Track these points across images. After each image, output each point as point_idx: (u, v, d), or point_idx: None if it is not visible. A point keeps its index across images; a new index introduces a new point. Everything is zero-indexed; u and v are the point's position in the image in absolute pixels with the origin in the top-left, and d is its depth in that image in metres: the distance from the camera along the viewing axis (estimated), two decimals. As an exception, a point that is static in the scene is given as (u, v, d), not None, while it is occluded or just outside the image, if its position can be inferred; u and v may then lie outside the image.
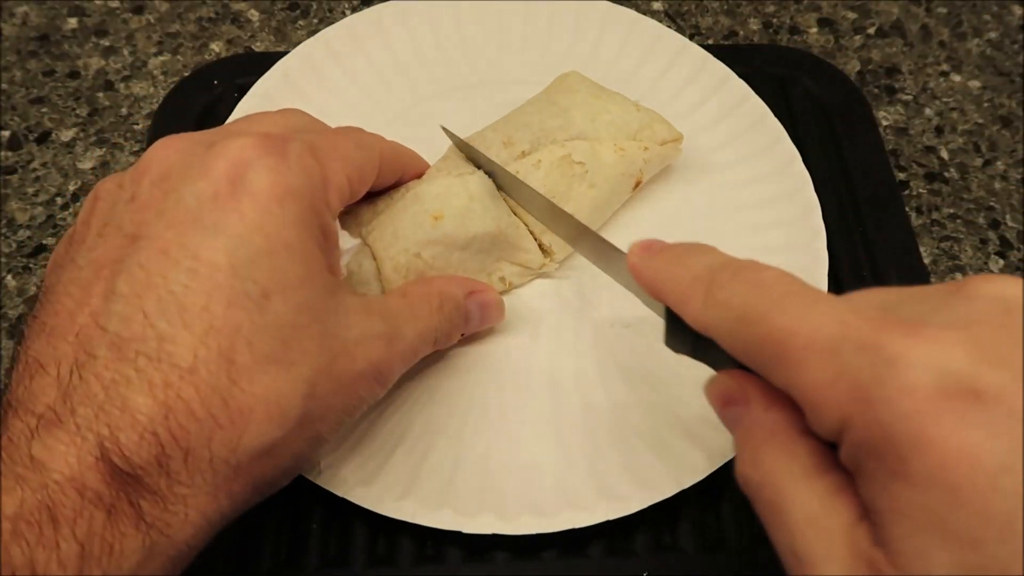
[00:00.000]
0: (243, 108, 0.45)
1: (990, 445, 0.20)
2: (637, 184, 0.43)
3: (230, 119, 0.44)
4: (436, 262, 0.38)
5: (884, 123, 0.51)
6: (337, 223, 0.33)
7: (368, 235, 0.38)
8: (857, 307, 0.24)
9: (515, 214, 0.41)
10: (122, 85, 0.51)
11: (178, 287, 0.27)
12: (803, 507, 0.25)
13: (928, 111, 0.52)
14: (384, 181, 0.37)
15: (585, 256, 0.40)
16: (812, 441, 0.26)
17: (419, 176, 0.39)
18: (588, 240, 0.39)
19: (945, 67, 0.54)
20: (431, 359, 0.40)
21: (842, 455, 0.24)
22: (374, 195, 0.38)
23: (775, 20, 0.56)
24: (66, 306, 0.28)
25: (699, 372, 0.40)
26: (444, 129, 0.43)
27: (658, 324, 0.41)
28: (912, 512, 0.21)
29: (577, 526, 0.35)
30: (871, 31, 0.56)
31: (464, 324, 0.38)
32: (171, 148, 0.30)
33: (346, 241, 0.38)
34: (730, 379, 0.29)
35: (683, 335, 0.30)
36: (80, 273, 0.28)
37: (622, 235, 0.44)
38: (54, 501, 0.24)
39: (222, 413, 0.27)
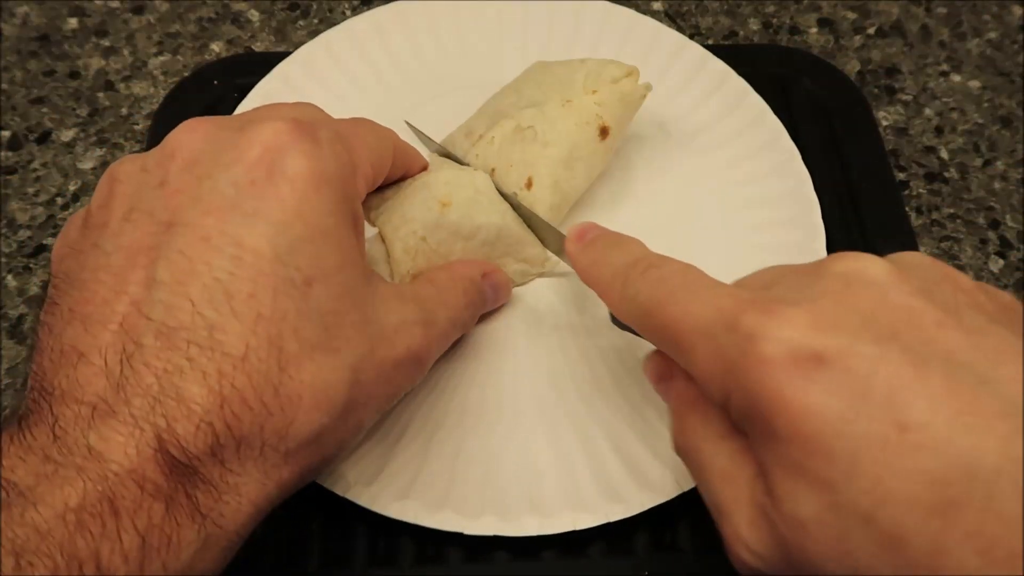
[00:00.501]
0: (243, 109, 0.45)
1: (831, 400, 0.23)
2: (604, 131, 0.42)
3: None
4: (441, 248, 0.38)
5: (884, 123, 0.52)
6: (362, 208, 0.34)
7: (377, 219, 0.38)
8: (733, 292, 0.28)
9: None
10: (122, 85, 0.51)
11: (223, 274, 0.26)
12: (717, 465, 0.28)
13: (928, 111, 0.52)
14: (395, 172, 0.38)
15: (556, 253, 0.41)
16: (721, 409, 0.29)
17: (422, 171, 0.40)
18: (549, 232, 0.40)
19: (945, 67, 0.54)
20: (431, 359, 0.40)
21: (732, 419, 0.27)
22: (382, 186, 0.39)
23: (775, 20, 0.56)
24: (99, 294, 0.27)
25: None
26: (421, 134, 0.44)
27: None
28: (781, 463, 0.25)
29: (578, 527, 0.35)
30: (871, 31, 0.56)
31: (482, 306, 0.39)
32: (198, 132, 0.30)
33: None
34: (659, 357, 0.32)
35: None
36: (109, 259, 0.28)
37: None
38: (115, 493, 0.24)
39: (273, 401, 0.27)
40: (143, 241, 0.28)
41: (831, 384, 0.24)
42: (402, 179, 0.39)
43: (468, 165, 0.42)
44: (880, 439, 0.23)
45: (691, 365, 0.28)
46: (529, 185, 0.41)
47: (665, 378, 0.32)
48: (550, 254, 0.41)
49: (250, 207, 0.27)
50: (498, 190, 0.40)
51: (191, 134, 0.30)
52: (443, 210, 0.38)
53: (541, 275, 0.42)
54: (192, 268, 0.27)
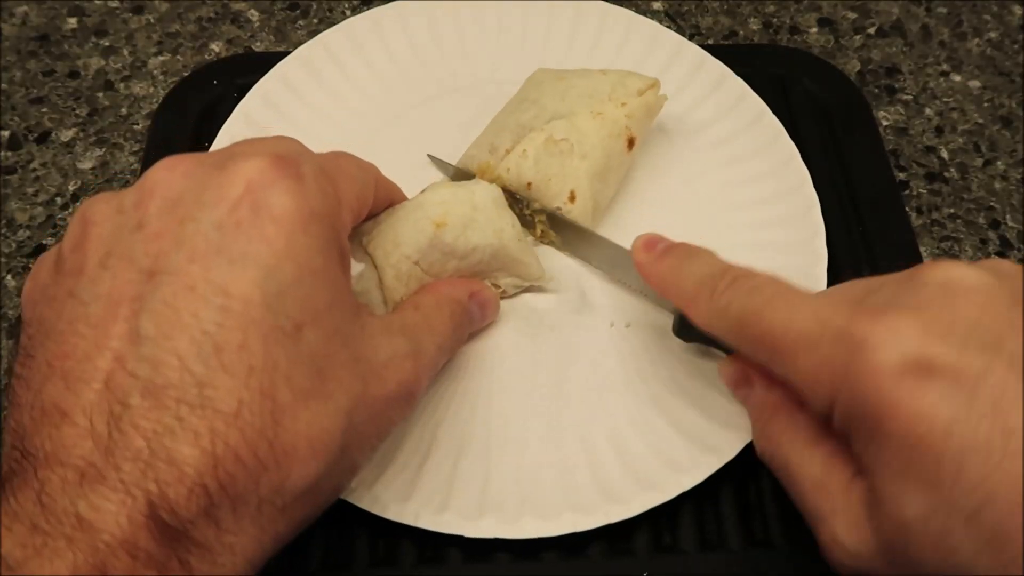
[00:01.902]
0: (243, 109, 0.45)
1: (940, 407, 0.25)
2: (631, 143, 0.43)
3: (228, 122, 0.44)
4: (433, 269, 0.37)
5: (884, 123, 0.51)
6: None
7: (368, 244, 0.37)
8: (832, 301, 0.29)
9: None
10: (122, 85, 0.51)
11: (211, 326, 0.25)
12: (808, 471, 0.30)
13: (928, 111, 0.52)
14: (378, 206, 0.37)
15: (594, 263, 0.41)
16: (809, 414, 0.31)
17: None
18: (594, 243, 0.40)
19: (945, 67, 0.54)
20: (431, 359, 0.40)
21: (835, 424, 0.29)
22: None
23: (775, 20, 0.56)
24: (79, 347, 0.26)
25: (698, 372, 0.40)
26: (439, 161, 0.44)
27: (658, 324, 0.41)
28: (888, 464, 0.27)
29: (578, 529, 0.35)
30: (871, 31, 0.56)
31: (470, 326, 0.38)
32: (176, 171, 0.28)
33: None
34: (735, 364, 0.34)
35: (692, 328, 0.35)
36: (87, 310, 0.26)
37: (623, 234, 0.44)
38: (106, 564, 0.23)
39: (268, 456, 0.26)
40: (124, 290, 0.26)
41: (942, 391, 0.25)
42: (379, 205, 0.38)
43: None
44: (986, 443, 0.25)
45: (793, 373, 0.29)
46: (572, 198, 0.41)
47: (743, 384, 0.34)
48: (547, 273, 0.41)
49: (236, 251, 0.26)
50: (543, 209, 0.41)
51: (170, 172, 0.28)
52: (437, 230, 0.37)
53: (534, 288, 0.42)
54: (178, 320, 0.25)
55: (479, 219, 0.38)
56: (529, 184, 0.41)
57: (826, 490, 0.29)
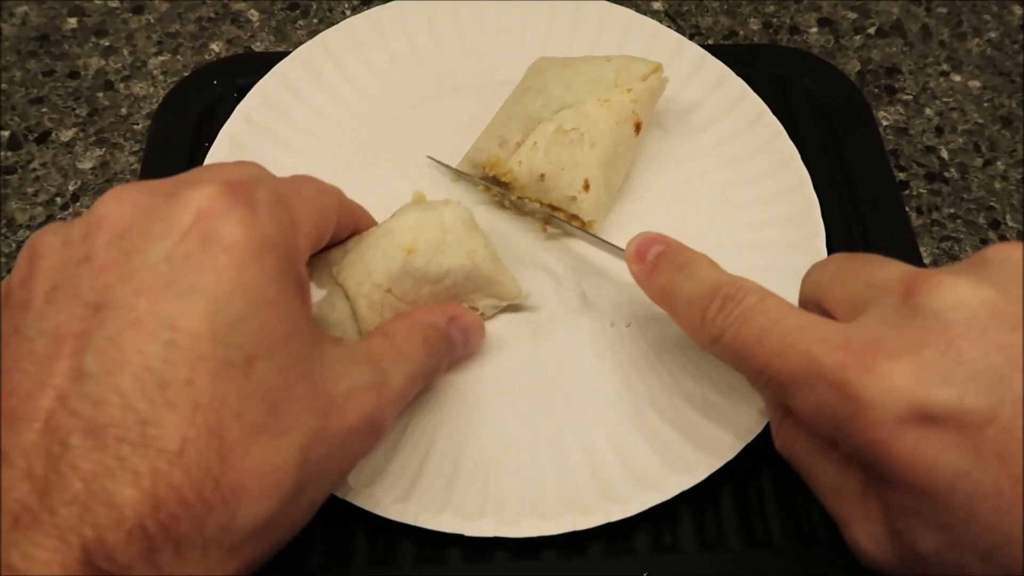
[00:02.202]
0: (243, 109, 0.45)
1: (945, 457, 0.25)
2: (638, 127, 0.43)
3: (228, 122, 0.44)
4: (407, 296, 0.37)
5: (884, 123, 0.51)
6: (306, 269, 0.32)
7: (339, 274, 0.36)
8: (824, 336, 0.28)
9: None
10: (122, 85, 0.51)
11: (156, 362, 0.24)
12: (825, 478, 0.30)
13: (928, 111, 0.52)
14: (341, 231, 0.35)
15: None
16: None
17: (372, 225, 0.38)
18: (595, 244, 0.39)
19: (945, 67, 0.54)
20: (431, 359, 0.40)
21: (843, 451, 0.29)
22: (343, 240, 0.38)
23: (775, 20, 0.56)
24: (23, 386, 0.25)
25: (698, 373, 0.40)
26: (440, 163, 0.44)
27: (658, 324, 0.41)
28: (898, 504, 0.27)
29: (578, 528, 0.35)
30: (871, 31, 0.56)
31: (450, 353, 0.37)
32: (125, 200, 0.27)
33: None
34: None
35: None
36: (32, 346, 0.25)
37: (623, 235, 0.44)
38: None
39: (214, 495, 0.24)
40: (69, 326, 0.25)
41: (945, 440, 0.25)
42: (352, 235, 0.37)
43: (487, 183, 0.43)
44: (994, 490, 0.24)
45: (793, 408, 0.29)
46: (587, 187, 0.41)
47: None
48: (527, 292, 0.41)
49: (185, 283, 0.25)
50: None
51: (118, 202, 0.27)
52: (408, 256, 0.36)
53: (512, 308, 0.41)
54: (123, 357, 0.24)
55: (450, 242, 0.37)
56: (542, 176, 0.41)
57: (843, 496, 0.29)
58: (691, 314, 0.32)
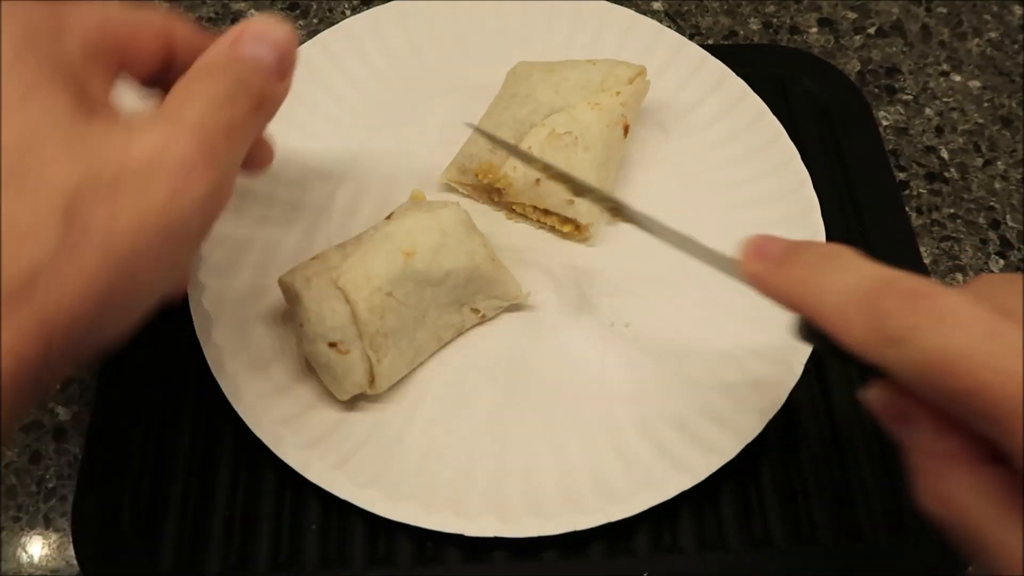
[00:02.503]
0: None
1: None
2: (626, 130, 0.44)
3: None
4: (410, 300, 0.37)
5: (884, 123, 0.51)
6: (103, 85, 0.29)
7: (339, 278, 0.36)
8: None
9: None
10: (122, 85, 0.51)
11: None
12: (1008, 549, 0.23)
13: (928, 111, 0.52)
14: (175, 56, 0.31)
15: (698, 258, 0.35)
16: (1000, 470, 0.24)
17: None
18: (691, 248, 0.35)
19: (945, 67, 0.54)
20: (431, 361, 0.40)
21: None
22: (343, 243, 0.38)
23: (775, 20, 0.56)
24: None
25: (698, 372, 0.40)
26: (481, 131, 0.42)
27: (657, 324, 0.41)
28: None
29: (578, 528, 0.35)
30: (871, 31, 0.56)
31: (257, 75, 0.30)
32: None
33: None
34: (893, 394, 0.26)
35: (821, 336, 0.27)
36: None
37: (622, 235, 0.44)
38: None
39: None
40: None
41: None
42: (189, 61, 0.31)
43: (476, 191, 0.43)
44: None
45: (1014, 449, 0.23)
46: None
47: (904, 420, 0.26)
48: (527, 291, 0.40)
49: None
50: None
51: None
52: (408, 260, 0.37)
53: (514, 307, 0.41)
54: None
55: (449, 243, 0.38)
56: (538, 181, 0.41)
57: None
58: (851, 311, 0.26)
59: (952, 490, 0.25)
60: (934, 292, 0.24)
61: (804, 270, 0.28)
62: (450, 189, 0.45)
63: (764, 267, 0.29)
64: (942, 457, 0.25)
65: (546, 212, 0.43)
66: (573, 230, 0.43)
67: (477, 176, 0.43)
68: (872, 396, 0.27)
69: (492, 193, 0.43)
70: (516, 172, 0.42)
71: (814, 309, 0.27)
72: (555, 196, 0.41)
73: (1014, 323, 0.23)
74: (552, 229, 0.43)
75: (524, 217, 0.44)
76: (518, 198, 0.42)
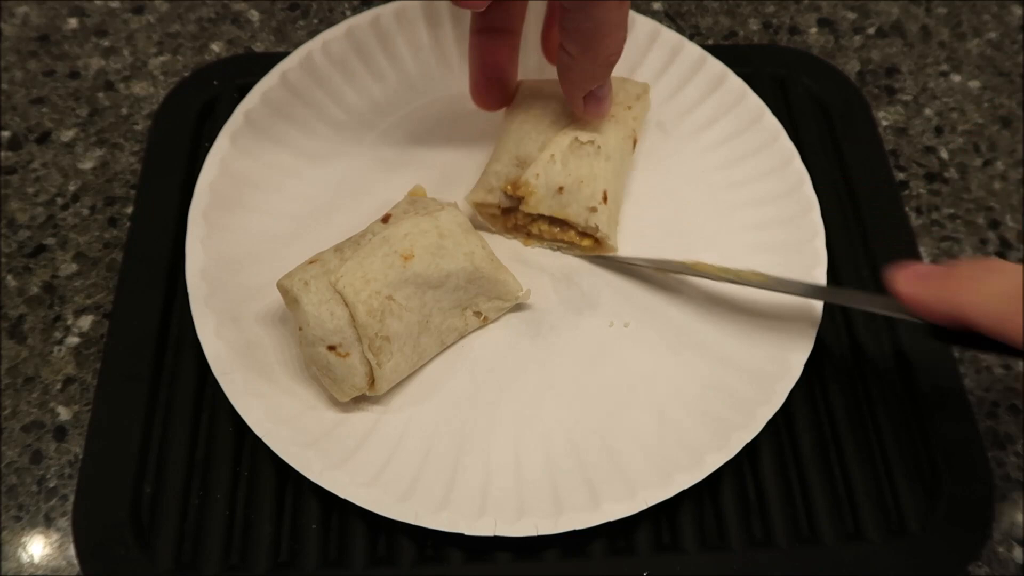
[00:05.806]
0: (243, 109, 0.45)
1: None
2: (635, 142, 0.45)
3: (228, 122, 0.44)
4: (410, 303, 0.37)
5: (884, 123, 0.51)
6: None
7: (337, 282, 0.36)
8: None
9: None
10: (122, 85, 0.51)
11: None
12: None
13: (928, 111, 0.52)
14: None
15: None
16: None
17: None
18: (831, 295, 0.38)
19: (945, 67, 0.54)
20: (431, 362, 0.40)
21: None
22: (339, 246, 0.38)
23: (775, 20, 0.56)
24: None
25: (698, 372, 0.40)
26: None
27: (657, 324, 0.41)
28: None
29: (579, 527, 0.35)
30: (871, 31, 0.56)
31: None
32: None
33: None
34: None
35: (956, 332, 0.31)
36: None
37: (623, 235, 0.44)
38: None
39: None
40: None
41: None
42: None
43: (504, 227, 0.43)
44: None
45: None
46: (605, 199, 0.41)
47: None
48: (524, 288, 0.41)
49: None
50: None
51: None
52: (407, 263, 0.37)
53: (517, 307, 0.41)
54: None
55: (447, 245, 0.38)
56: (560, 188, 0.41)
57: None
58: (1012, 303, 0.28)
59: None
60: None
61: (961, 283, 0.31)
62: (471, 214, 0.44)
63: (918, 287, 0.32)
64: None
65: (563, 229, 0.43)
66: (593, 244, 0.43)
67: (506, 192, 0.42)
68: None
69: (510, 217, 0.43)
70: (538, 180, 0.41)
71: (973, 310, 0.30)
72: (577, 205, 0.41)
73: None
74: (571, 247, 0.43)
75: (540, 239, 0.44)
76: (538, 207, 0.42)
